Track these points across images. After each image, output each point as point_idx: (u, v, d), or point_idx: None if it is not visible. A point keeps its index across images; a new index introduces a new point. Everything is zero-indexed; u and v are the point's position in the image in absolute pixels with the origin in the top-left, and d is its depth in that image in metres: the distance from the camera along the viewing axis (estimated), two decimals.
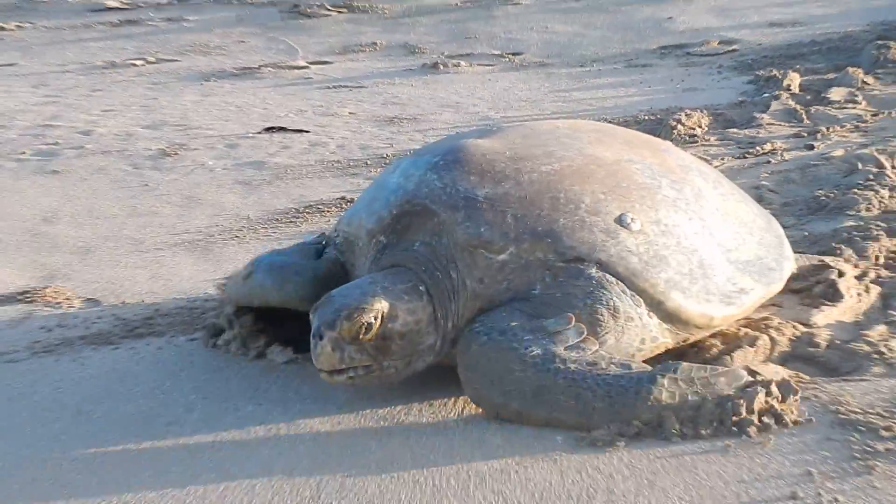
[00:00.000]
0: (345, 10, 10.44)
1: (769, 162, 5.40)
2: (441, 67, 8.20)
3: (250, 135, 6.59)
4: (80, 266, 4.30)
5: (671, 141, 5.68)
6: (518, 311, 2.86)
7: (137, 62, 9.03)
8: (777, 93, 6.70)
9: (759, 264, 3.15)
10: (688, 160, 3.40)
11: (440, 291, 2.93)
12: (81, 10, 11.44)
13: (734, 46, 8.18)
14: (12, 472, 2.78)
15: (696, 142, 5.83)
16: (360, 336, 2.79)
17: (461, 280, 2.93)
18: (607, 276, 2.85)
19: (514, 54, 8.53)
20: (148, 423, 2.99)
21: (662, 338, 2.93)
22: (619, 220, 2.89)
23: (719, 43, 8.34)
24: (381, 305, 2.82)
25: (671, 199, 3.03)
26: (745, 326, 3.38)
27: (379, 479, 2.62)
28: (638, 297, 2.86)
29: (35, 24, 10.91)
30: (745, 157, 5.53)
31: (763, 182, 5.07)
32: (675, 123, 6.06)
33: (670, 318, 2.88)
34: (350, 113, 7.05)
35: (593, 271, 2.84)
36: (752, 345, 3.29)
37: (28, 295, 4.20)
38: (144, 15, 10.94)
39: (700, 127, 6.04)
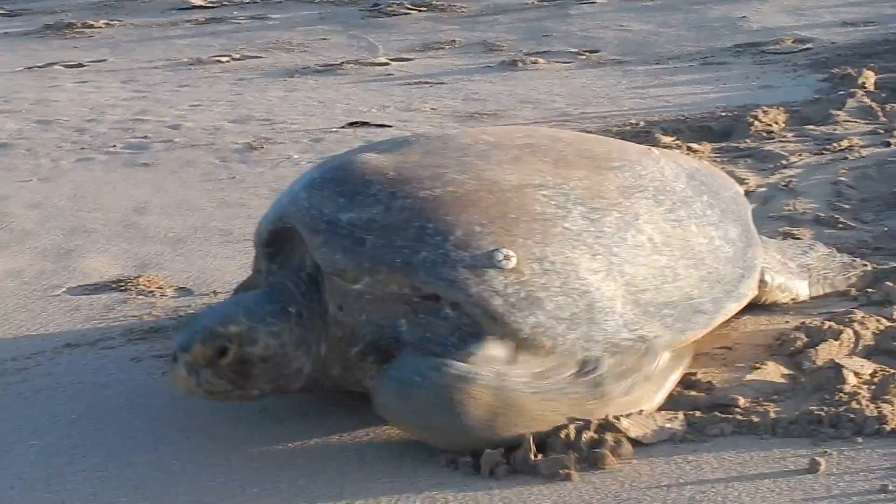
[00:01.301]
0: (424, 8, 10.45)
1: (846, 158, 5.36)
2: (519, 65, 8.18)
3: (334, 129, 6.61)
4: (172, 256, 4.32)
5: (749, 137, 5.66)
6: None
7: (223, 59, 9.08)
8: (852, 90, 6.62)
9: (683, 306, 2.98)
10: (651, 180, 3.19)
11: (312, 314, 2.84)
12: (168, 8, 11.52)
13: (808, 45, 8.12)
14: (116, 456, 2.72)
15: (773, 138, 5.79)
16: (217, 361, 2.71)
17: (325, 305, 2.85)
18: (465, 319, 2.71)
19: (590, 52, 8.49)
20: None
21: None
22: (490, 257, 2.70)
23: (793, 42, 8.26)
24: (240, 328, 2.73)
25: (574, 232, 2.86)
26: (829, 320, 3.36)
27: None
28: (508, 338, 2.71)
29: (123, 21, 11.00)
30: (822, 154, 5.49)
31: (841, 178, 5.03)
32: (751, 120, 6.05)
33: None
34: (431, 109, 7.05)
35: (448, 312, 2.71)
36: (836, 338, 3.24)
37: (122, 283, 4.25)
38: (229, 13, 11.01)
39: (777, 123, 6.00)
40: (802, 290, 3.48)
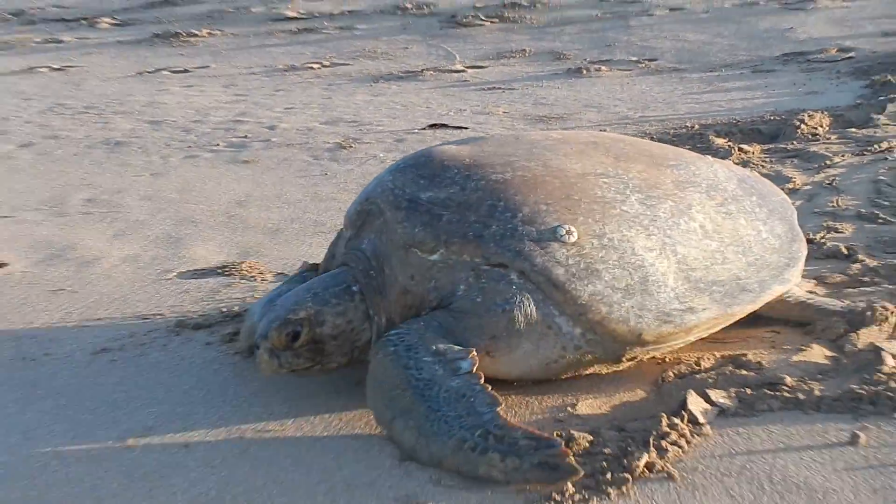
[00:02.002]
0: (497, 20, 10.47)
1: (886, 159, 5.34)
2: (584, 72, 8.20)
3: (415, 131, 6.65)
4: (271, 244, 4.37)
5: (795, 139, 5.66)
6: (437, 323, 2.82)
7: (314, 65, 9.13)
8: (892, 96, 6.60)
9: (731, 285, 3.02)
10: (705, 179, 3.25)
11: (372, 290, 2.92)
12: (264, 19, 11.58)
13: (851, 54, 8.07)
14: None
15: (818, 140, 5.78)
16: (292, 344, 2.83)
17: (394, 276, 2.90)
18: (529, 283, 2.78)
19: (649, 60, 8.49)
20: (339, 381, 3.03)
21: (587, 347, 2.85)
22: (554, 231, 2.79)
23: (837, 51, 8.22)
24: (307, 313, 2.84)
25: (631, 215, 2.93)
26: (868, 310, 3.36)
27: None
28: (561, 306, 2.77)
29: (224, 31, 11.07)
30: (863, 154, 5.47)
31: (881, 177, 5.02)
32: (798, 123, 6.05)
33: (594, 330, 2.80)
34: (503, 112, 7.07)
35: (514, 277, 2.78)
36: (876, 324, 3.25)
37: (227, 269, 4.31)
38: (319, 24, 11.04)
39: (821, 127, 5.99)
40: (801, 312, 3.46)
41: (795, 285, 3.37)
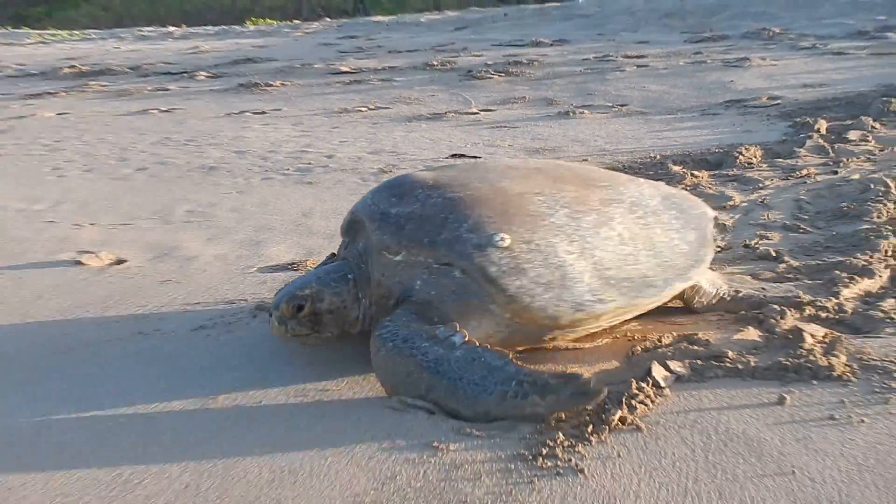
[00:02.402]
0: (503, 74, 10.50)
1: (805, 182, 5.35)
2: (570, 114, 8.18)
3: (440, 160, 6.65)
4: (330, 246, 4.34)
5: (735, 167, 5.65)
6: (412, 314, 2.87)
7: (362, 109, 9.14)
8: (810, 134, 6.59)
9: (638, 281, 3.04)
10: (630, 198, 3.23)
11: (363, 279, 3.00)
12: (324, 73, 11.61)
13: (778, 101, 8.04)
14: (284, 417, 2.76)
15: (752, 168, 5.77)
16: (297, 314, 2.93)
17: (372, 271, 2.99)
18: (468, 278, 2.84)
19: (621, 105, 8.47)
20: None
21: (517, 327, 2.92)
22: (490, 238, 2.83)
23: (767, 99, 8.19)
24: (311, 291, 2.96)
25: (557, 225, 2.95)
26: (789, 302, 3.37)
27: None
28: (493, 296, 2.83)
29: (293, 82, 11.09)
30: (788, 179, 5.49)
31: (801, 197, 5.04)
32: (737, 155, 6.10)
33: (519, 315, 2.86)
34: (508, 145, 7.07)
35: (457, 273, 2.85)
36: (798, 310, 3.28)
37: (295, 265, 4.34)
38: (366, 77, 11.07)
39: (755, 157, 6.01)
40: (713, 299, 3.49)
41: (705, 280, 3.42)
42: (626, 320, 3.20)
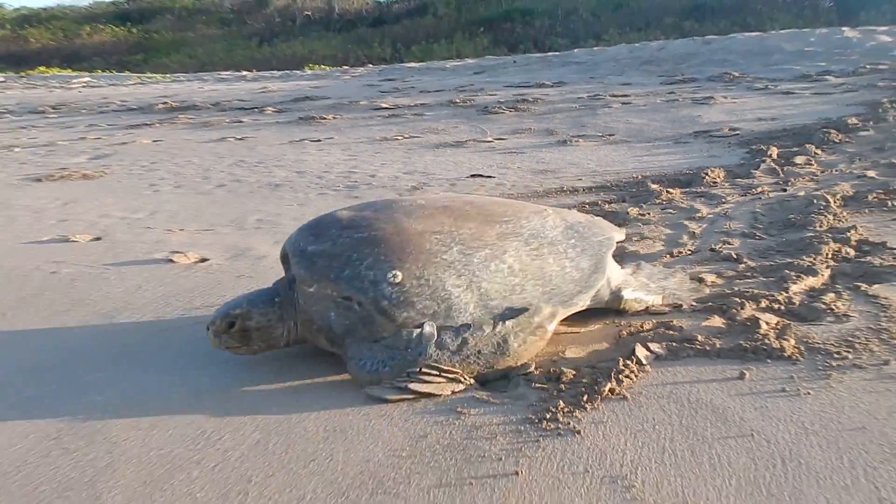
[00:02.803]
0: (513, 110, 10.48)
1: (760, 198, 5.30)
2: (568, 143, 8.15)
3: (462, 178, 6.64)
4: None
5: (702, 185, 5.61)
6: (357, 344, 2.81)
7: (398, 137, 9.14)
8: (764, 158, 6.52)
9: (519, 311, 2.86)
10: (529, 230, 3.08)
11: (287, 303, 2.92)
12: (368, 108, 11.64)
13: (737, 132, 8.00)
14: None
15: (717, 186, 5.73)
16: (229, 330, 2.86)
17: (296, 299, 2.92)
18: (364, 310, 2.77)
19: (609, 135, 8.42)
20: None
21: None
22: (385, 276, 2.74)
23: (728, 130, 8.14)
24: (241, 311, 2.88)
25: (448, 262, 2.82)
26: (747, 295, 3.36)
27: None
28: (384, 325, 2.76)
29: (342, 116, 11.12)
30: (746, 195, 5.44)
31: (757, 210, 5.01)
32: (704, 175, 6.02)
33: None
34: (517, 167, 7.06)
35: (356, 306, 2.77)
36: (754, 302, 3.28)
37: None
38: (402, 112, 11.08)
39: (719, 178, 5.95)
40: (655, 300, 3.36)
41: (641, 293, 3.33)
42: None
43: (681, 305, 3.37)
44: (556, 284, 2.99)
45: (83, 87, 18.58)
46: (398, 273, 2.75)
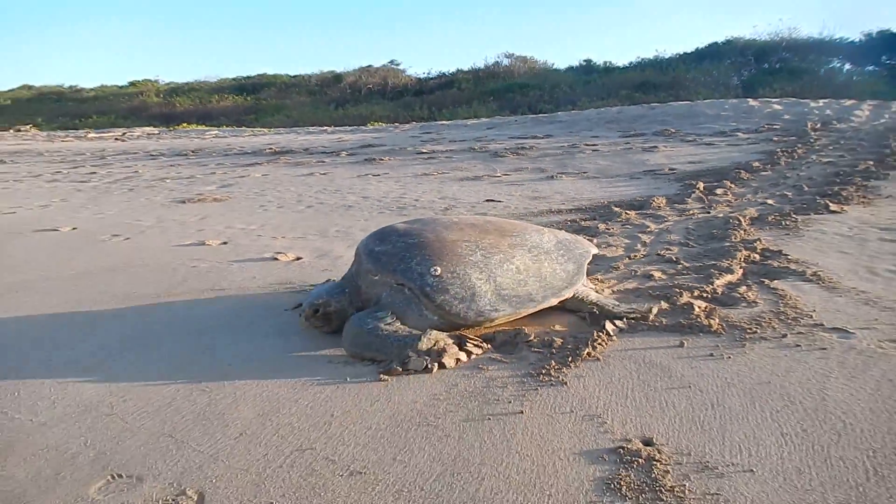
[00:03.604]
0: (515, 154, 10.41)
1: (691, 218, 5.24)
2: (554, 177, 8.06)
3: (480, 202, 6.60)
4: None
5: (650, 208, 5.54)
6: (375, 310, 2.78)
7: (434, 174, 9.09)
8: (693, 190, 6.43)
9: (524, 298, 2.84)
10: (531, 243, 3.04)
11: (354, 290, 2.90)
12: (412, 153, 11.62)
13: (675, 171, 7.90)
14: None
15: (661, 209, 5.66)
16: (315, 314, 2.86)
17: (360, 285, 2.88)
18: (412, 294, 2.74)
19: (583, 172, 8.34)
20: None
21: (442, 322, 2.76)
22: (429, 269, 2.72)
23: (668, 169, 8.03)
24: (322, 301, 2.87)
25: (473, 262, 2.79)
26: (682, 287, 3.30)
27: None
28: (426, 305, 2.72)
29: (395, 158, 11.10)
30: (681, 216, 5.37)
31: (690, 226, 4.95)
32: (651, 202, 5.95)
33: (443, 317, 2.73)
34: (519, 194, 7.01)
35: (406, 291, 2.74)
36: (689, 292, 3.23)
37: None
38: (437, 155, 11.05)
39: (662, 203, 5.87)
40: (613, 308, 3.11)
41: (594, 296, 3.13)
42: (519, 318, 2.96)
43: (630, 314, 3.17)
44: (550, 281, 2.94)
45: (213, 137, 18.70)
46: (438, 268, 2.75)
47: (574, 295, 3.07)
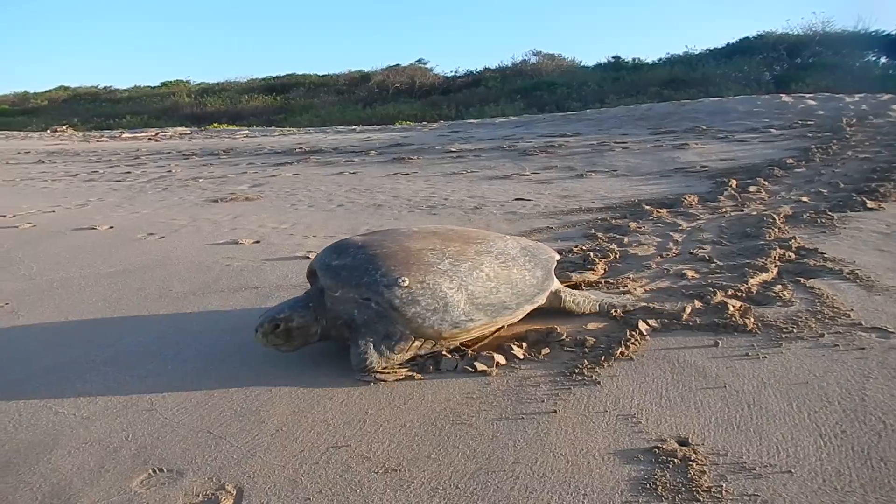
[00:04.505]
0: (544, 153, 10.36)
1: (724, 216, 5.18)
2: (583, 176, 8.02)
3: (510, 201, 6.58)
4: None
5: (682, 206, 5.48)
6: (365, 334, 2.58)
7: (463, 172, 9.08)
8: (726, 188, 6.36)
9: (498, 306, 2.69)
10: (497, 249, 2.89)
11: (319, 306, 2.68)
12: (441, 152, 11.62)
13: (706, 168, 7.80)
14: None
15: (692, 207, 5.60)
16: (275, 330, 2.63)
17: (325, 303, 2.68)
18: (381, 308, 2.55)
19: (613, 171, 8.27)
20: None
21: (415, 339, 2.59)
22: (396, 281, 2.54)
23: (700, 167, 7.93)
24: (284, 315, 2.65)
25: (443, 271, 2.62)
26: (716, 286, 3.26)
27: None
28: (397, 319, 2.55)
29: (423, 157, 11.11)
30: (714, 214, 5.31)
31: (722, 224, 4.89)
32: (683, 199, 5.87)
33: (414, 330, 2.56)
34: (548, 193, 6.98)
35: (373, 305, 2.55)
36: (724, 291, 3.19)
37: None
38: (465, 154, 11.03)
39: (694, 202, 5.81)
40: (591, 307, 3.08)
41: (578, 296, 3.08)
42: (496, 329, 2.82)
43: (616, 311, 3.09)
44: (521, 288, 2.78)
45: (244, 137, 18.90)
46: (406, 279, 2.55)
47: (548, 300, 2.92)
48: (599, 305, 3.07)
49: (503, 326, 2.85)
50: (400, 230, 2.97)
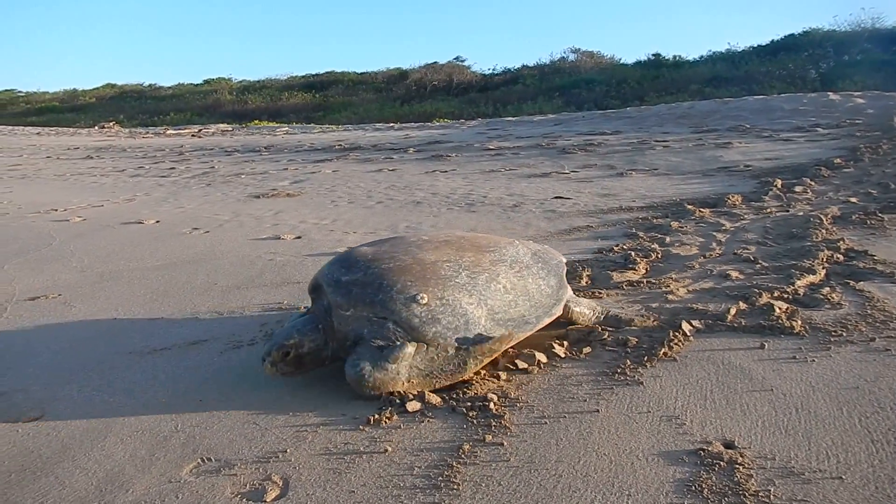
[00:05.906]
0: (583, 151, 10.31)
1: (769, 216, 5.09)
2: (624, 175, 7.95)
3: (548, 199, 6.56)
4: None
5: (725, 206, 5.40)
6: (366, 350, 2.39)
7: (501, 170, 9.08)
8: (771, 188, 6.26)
9: (518, 319, 2.54)
10: (510, 257, 2.74)
11: (328, 327, 2.50)
12: (479, 149, 11.62)
13: (750, 168, 7.68)
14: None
15: (735, 207, 5.52)
16: (285, 359, 2.47)
17: (333, 322, 2.48)
18: (398, 328, 2.37)
19: (654, 169, 8.18)
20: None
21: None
22: (413, 297, 2.37)
23: (743, 166, 7.81)
24: (293, 341, 2.47)
25: (461, 284, 2.47)
26: (762, 288, 3.21)
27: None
28: (419, 338, 2.36)
29: (461, 154, 11.13)
30: (758, 214, 5.22)
31: (767, 225, 4.81)
32: (726, 199, 5.80)
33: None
34: (588, 192, 6.94)
35: (391, 325, 2.37)
36: (769, 292, 3.14)
37: None
38: (503, 152, 11.02)
39: (737, 202, 5.72)
40: (592, 318, 2.93)
41: (583, 307, 2.95)
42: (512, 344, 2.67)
43: (617, 319, 2.99)
44: (538, 299, 2.65)
45: (284, 134, 19.14)
46: (424, 295, 2.39)
47: (565, 311, 2.81)
48: (605, 317, 2.95)
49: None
50: (408, 239, 2.83)
